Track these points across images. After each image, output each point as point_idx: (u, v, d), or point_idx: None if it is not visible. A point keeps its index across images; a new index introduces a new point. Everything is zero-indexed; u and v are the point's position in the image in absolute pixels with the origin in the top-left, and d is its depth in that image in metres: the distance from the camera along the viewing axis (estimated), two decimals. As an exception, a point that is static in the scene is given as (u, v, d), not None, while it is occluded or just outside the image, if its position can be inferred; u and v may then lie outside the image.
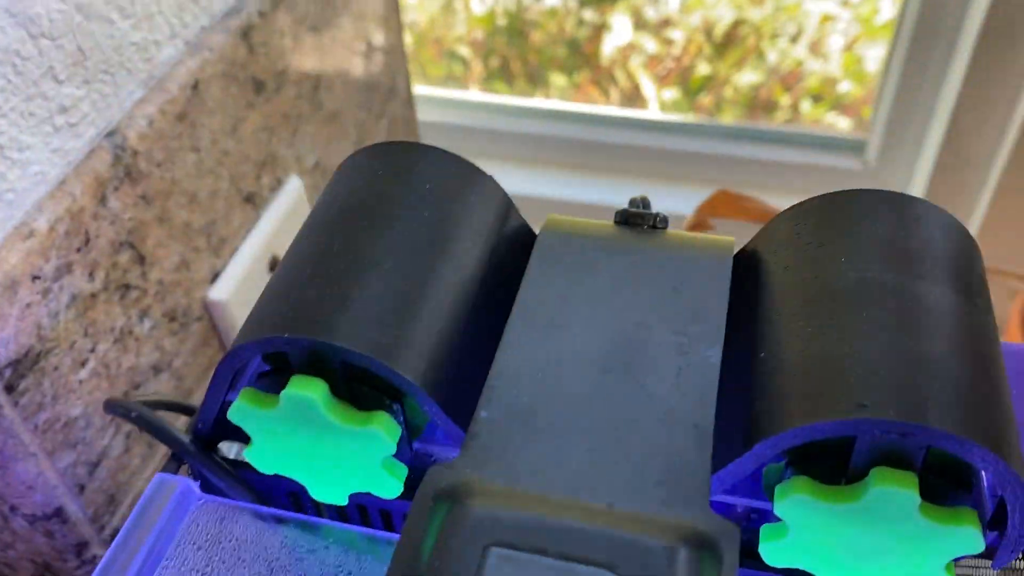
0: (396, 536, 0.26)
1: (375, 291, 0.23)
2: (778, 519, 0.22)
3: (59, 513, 0.38)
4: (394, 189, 0.26)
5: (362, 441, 0.23)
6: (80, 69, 0.37)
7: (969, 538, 0.21)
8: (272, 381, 0.25)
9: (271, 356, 0.25)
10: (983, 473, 0.21)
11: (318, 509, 0.29)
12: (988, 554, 0.27)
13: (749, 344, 0.24)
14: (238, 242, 0.48)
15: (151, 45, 0.41)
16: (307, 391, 0.23)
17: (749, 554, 0.24)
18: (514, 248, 0.27)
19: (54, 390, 0.36)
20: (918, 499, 0.20)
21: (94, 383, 0.39)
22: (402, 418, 0.23)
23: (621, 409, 0.23)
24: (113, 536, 0.42)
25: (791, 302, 0.23)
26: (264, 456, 0.25)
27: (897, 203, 0.26)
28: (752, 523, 0.25)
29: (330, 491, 0.25)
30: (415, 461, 0.26)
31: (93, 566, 0.41)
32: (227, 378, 0.25)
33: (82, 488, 0.39)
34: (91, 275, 0.37)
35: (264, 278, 0.49)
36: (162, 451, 0.44)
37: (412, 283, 0.24)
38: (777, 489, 0.21)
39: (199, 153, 0.43)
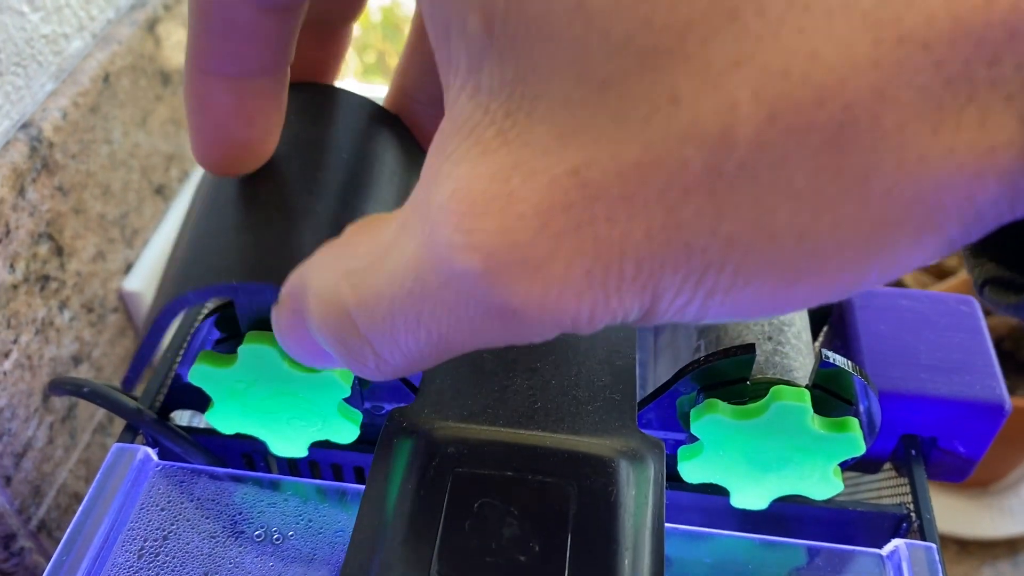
0: (349, 486, 0.28)
1: (311, 238, 0.23)
2: (693, 440, 0.26)
3: (-14, 506, 0.38)
4: (311, 133, 0.25)
5: (318, 387, 0.25)
6: (-7, 61, 0.37)
7: (852, 442, 0.25)
8: (227, 345, 0.26)
9: (222, 323, 0.27)
10: (863, 388, 0.25)
11: (270, 471, 0.31)
12: (868, 468, 0.31)
13: None
14: (150, 233, 0.48)
15: (60, 38, 0.41)
16: (263, 342, 0.24)
17: (668, 476, 0.27)
18: None
19: (-21, 382, 0.36)
20: (810, 411, 0.24)
21: (18, 374, 0.39)
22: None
23: (556, 351, 0.25)
24: (40, 528, 0.42)
25: None
26: (225, 416, 0.27)
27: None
28: (671, 449, 0.28)
29: (290, 444, 0.27)
30: (367, 418, 0.28)
31: (21, 558, 0.41)
32: (165, 325, 0.24)
33: (8, 480, 0.39)
34: (12, 266, 0.38)
35: (176, 269, 0.49)
36: (84, 442, 0.45)
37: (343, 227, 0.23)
38: (693, 412, 0.25)
39: (112, 145, 0.43)
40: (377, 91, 1.04)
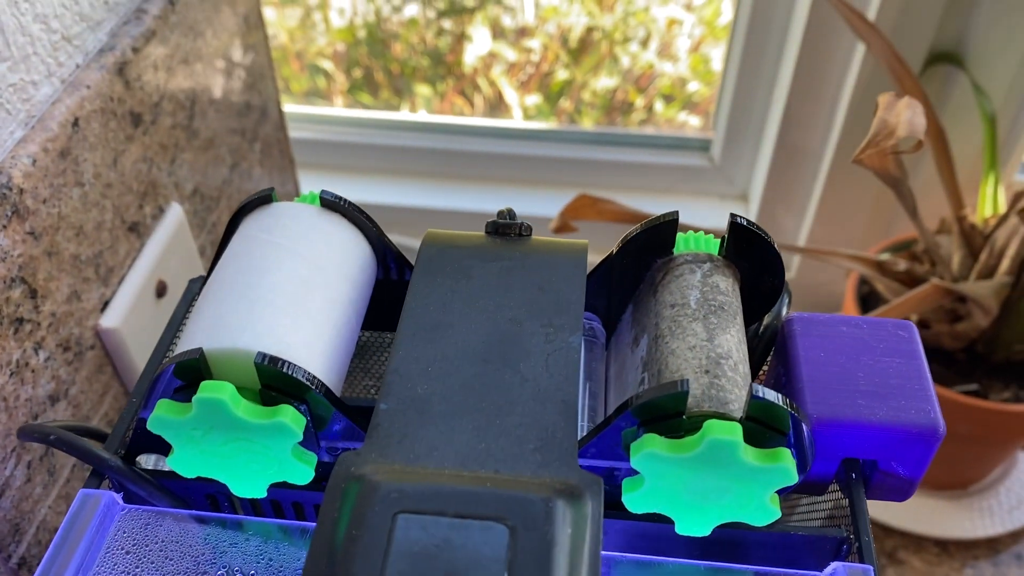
0: (309, 524, 0.29)
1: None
2: (636, 472, 0.27)
3: (-34, 545, 0.39)
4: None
5: (271, 433, 0.26)
6: (-39, 113, 0.38)
7: (784, 472, 0.26)
8: (185, 394, 0.27)
9: (181, 371, 0.28)
10: (796, 419, 0.26)
11: (234, 510, 0.32)
12: (813, 490, 0.32)
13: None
14: (125, 271, 0.49)
15: (28, 85, 0.42)
16: (216, 393, 0.26)
17: (616, 506, 0.28)
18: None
19: (-45, 425, 0.37)
20: (742, 444, 0.25)
21: (-6, 416, 0.40)
22: (306, 408, 0.27)
23: (500, 392, 0.26)
24: (21, 565, 0.43)
25: None
26: (185, 461, 0.28)
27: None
28: (616, 480, 0.29)
29: (249, 486, 0.28)
30: (325, 456, 0.29)
31: (2, 595, 0.42)
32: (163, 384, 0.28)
33: (-13, 519, 0.40)
34: (-15, 311, 0.39)
35: (152, 304, 0.50)
36: (63, 478, 0.45)
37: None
38: (632, 446, 0.26)
39: (83, 187, 0.44)
40: (367, 115, 1.05)
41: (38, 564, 0.44)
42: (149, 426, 0.27)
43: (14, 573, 0.42)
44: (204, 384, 0.26)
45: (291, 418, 0.26)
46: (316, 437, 0.28)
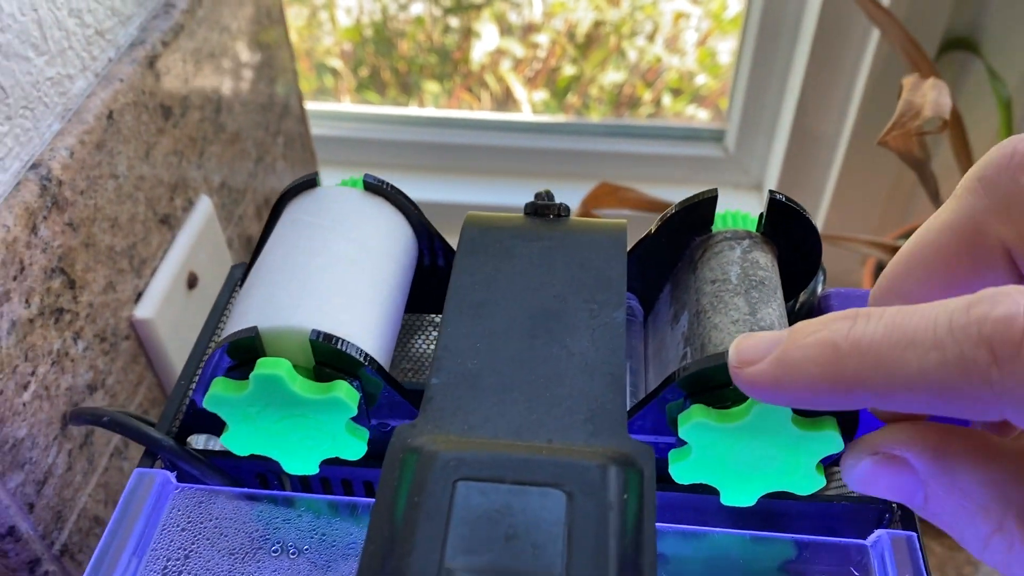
0: (361, 500, 0.30)
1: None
2: (683, 443, 0.27)
3: (12, 532, 0.40)
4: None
5: (326, 408, 0.27)
6: (2, 106, 0.38)
7: (831, 439, 0.26)
8: (240, 372, 0.28)
9: (234, 351, 0.29)
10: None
11: (284, 490, 0.32)
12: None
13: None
14: (157, 262, 0.50)
15: (65, 79, 0.43)
16: (273, 369, 0.26)
17: (661, 479, 0.29)
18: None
19: (0, 414, 0.38)
20: (790, 412, 0.26)
21: (37, 405, 0.40)
22: (358, 384, 0.27)
23: (549, 366, 0.27)
24: (63, 552, 0.43)
25: None
26: (240, 439, 0.28)
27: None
28: (662, 453, 0.30)
29: (301, 463, 0.29)
30: (374, 433, 0.30)
31: (46, 581, 0.42)
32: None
33: (32, 507, 0.41)
34: (27, 301, 0.39)
35: (183, 295, 0.51)
36: (102, 467, 0.46)
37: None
38: (680, 417, 0.26)
39: (118, 179, 0.45)
40: (381, 111, 1.05)
41: (80, 551, 0.45)
42: (205, 404, 0.27)
43: (57, 559, 0.43)
44: (261, 361, 0.26)
45: (346, 393, 0.26)
46: (367, 413, 0.28)
